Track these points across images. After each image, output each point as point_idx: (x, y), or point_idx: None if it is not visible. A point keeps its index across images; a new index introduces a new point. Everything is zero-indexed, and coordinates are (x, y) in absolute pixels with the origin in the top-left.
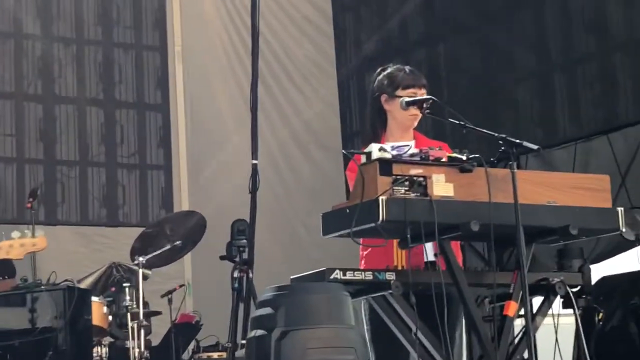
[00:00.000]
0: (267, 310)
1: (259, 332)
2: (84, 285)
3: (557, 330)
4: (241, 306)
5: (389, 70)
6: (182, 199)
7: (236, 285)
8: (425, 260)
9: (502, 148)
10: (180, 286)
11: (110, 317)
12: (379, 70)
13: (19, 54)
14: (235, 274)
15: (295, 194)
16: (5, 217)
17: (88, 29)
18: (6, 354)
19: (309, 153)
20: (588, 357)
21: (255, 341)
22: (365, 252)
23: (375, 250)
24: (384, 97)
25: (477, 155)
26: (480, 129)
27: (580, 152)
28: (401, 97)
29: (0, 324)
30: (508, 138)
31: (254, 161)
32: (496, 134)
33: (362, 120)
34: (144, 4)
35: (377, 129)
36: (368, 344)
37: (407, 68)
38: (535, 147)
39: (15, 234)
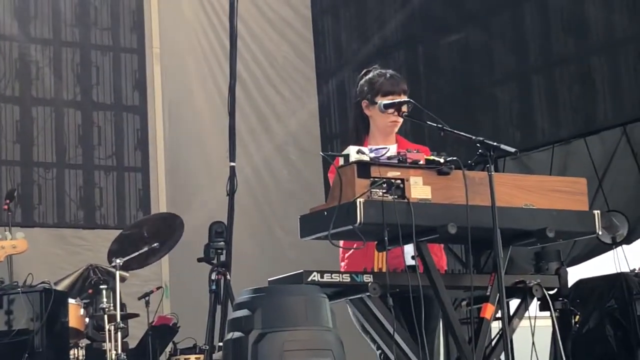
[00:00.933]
0: (244, 312)
1: (236, 334)
2: (60, 287)
3: (534, 332)
4: (218, 308)
5: (370, 75)
6: (160, 201)
7: (214, 287)
8: (405, 264)
9: (480, 151)
10: (158, 288)
11: (87, 319)
12: (361, 74)
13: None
14: (213, 276)
15: (274, 196)
16: None
17: (65, 31)
18: None
19: (288, 155)
20: (564, 359)
21: (232, 343)
22: (346, 254)
23: (356, 252)
24: (364, 103)
25: (454, 158)
26: (458, 132)
27: (558, 155)
28: (381, 95)
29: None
30: (486, 141)
31: (232, 163)
32: (474, 137)
33: (341, 123)
34: (122, 6)
35: (360, 134)
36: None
37: (388, 73)
38: (512, 150)
39: None
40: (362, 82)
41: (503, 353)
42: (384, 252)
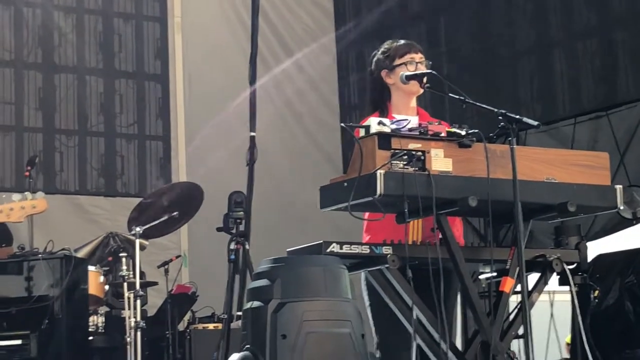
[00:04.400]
0: (264, 282)
1: (255, 303)
2: (81, 254)
3: (553, 306)
4: (237, 278)
5: (382, 48)
6: (180, 170)
7: (232, 257)
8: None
9: (502, 124)
10: (177, 257)
11: (106, 287)
12: (373, 54)
13: (19, 21)
14: (232, 246)
15: (293, 167)
16: (4, 185)
17: None
18: (3, 321)
19: (307, 127)
20: (584, 334)
21: (251, 312)
22: (369, 226)
23: (378, 224)
24: (384, 73)
25: (476, 131)
26: (480, 104)
27: (579, 129)
28: (400, 65)
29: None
30: (508, 114)
31: (252, 133)
32: (496, 110)
33: (360, 95)
34: None
35: (380, 106)
36: (370, 319)
37: (399, 40)
38: (535, 123)
39: (15, 197)
40: (375, 57)
41: (522, 327)
42: (419, 224)
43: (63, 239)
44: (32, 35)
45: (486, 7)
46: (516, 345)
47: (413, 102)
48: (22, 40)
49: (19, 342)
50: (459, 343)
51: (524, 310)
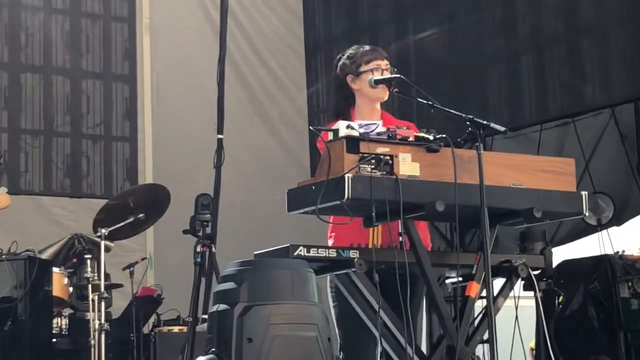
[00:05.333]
0: (230, 284)
1: (222, 306)
2: (45, 255)
3: (518, 312)
4: (203, 281)
5: (347, 52)
6: (147, 172)
7: (199, 259)
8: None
9: (469, 129)
10: (142, 259)
11: (70, 289)
12: (338, 57)
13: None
14: (198, 249)
15: (261, 170)
16: None
17: None
18: None
19: (275, 130)
20: (548, 339)
21: (217, 315)
22: (333, 230)
23: (344, 228)
24: (350, 78)
25: (444, 136)
26: (448, 109)
27: (546, 135)
28: (366, 71)
29: None
30: (475, 119)
31: (220, 136)
32: (464, 115)
33: (329, 98)
34: None
35: (346, 109)
36: (335, 322)
37: (364, 46)
38: (502, 129)
39: None
40: (341, 62)
41: (487, 332)
42: (379, 228)
43: (27, 240)
44: (7, 36)
45: (455, 13)
46: (481, 350)
47: (378, 107)
48: None
49: None
50: (424, 347)
51: (489, 315)
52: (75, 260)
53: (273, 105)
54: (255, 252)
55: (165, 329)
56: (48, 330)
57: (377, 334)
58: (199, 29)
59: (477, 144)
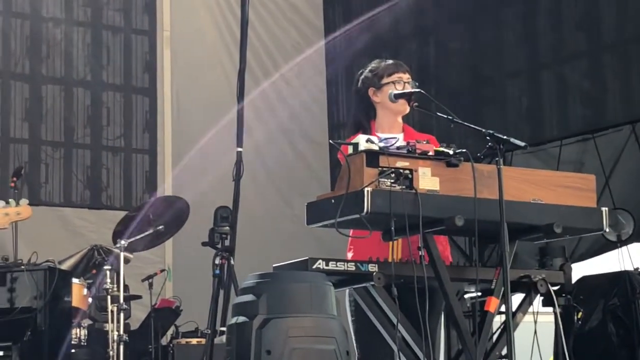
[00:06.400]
0: (249, 297)
1: (241, 318)
2: (65, 266)
3: (537, 327)
4: (221, 293)
5: (369, 66)
6: (166, 184)
7: (217, 271)
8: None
9: (489, 144)
10: (161, 271)
11: (90, 300)
12: (359, 72)
13: (7, 32)
14: (217, 261)
15: (280, 183)
16: None
17: (77, 10)
18: None
19: (294, 143)
20: (567, 356)
21: (236, 328)
22: (353, 243)
23: (363, 241)
24: (371, 91)
25: (464, 150)
26: (468, 124)
27: (566, 151)
28: (388, 83)
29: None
30: (495, 134)
31: (239, 149)
32: (484, 130)
33: (349, 112)
34: None
35: (366, 123)
36: (352, 335)
37: (387, 60)
38: (522, 144)
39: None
40: (363, 76)
41: (505, 347)
42: (398, 242)
43: (47, 251)
44: (21, 46)
45: (475, 28)
46: None
47: (399, 120)
48: (9, 50)
49: (0, 353)
50: None
51: (508, 330)
52: (94, 271)
53: (293, 119)
54: (274, 265)
55: (183, 341)
56: (67, 341)
57: (395, 348)
58: (220, 42)
59: (496, 158)
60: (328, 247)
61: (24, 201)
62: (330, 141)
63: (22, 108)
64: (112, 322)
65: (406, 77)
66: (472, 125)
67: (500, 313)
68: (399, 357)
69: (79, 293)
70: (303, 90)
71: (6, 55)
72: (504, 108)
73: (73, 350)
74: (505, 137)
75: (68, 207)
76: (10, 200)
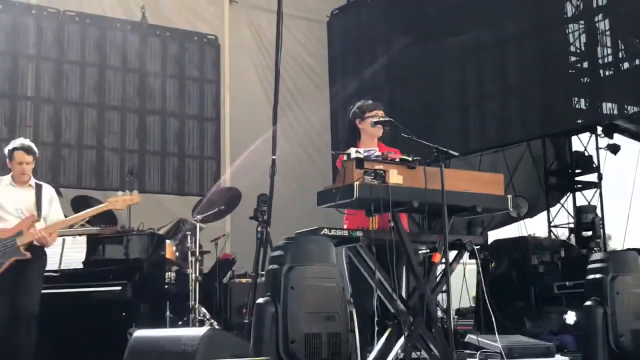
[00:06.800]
0: (280, 252)
1: (274, 266)
2: (161, 232)
3: (465, 272)
4: (262, 250)
5: (357, 104)
6: (226, 179)
7: (259, 236)
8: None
9: (435, 154)
10: (223, 235)
11: (177, 254)
12: (350, 107)
13: (124, 81)
14: (259, 229)
15: (299, 178)
16: (112, 185)
17: (170, 66)
18: (110, 274)
19: (309, 153)
20: (484, 291)
21: (271, 272)
22: (347, 218)
23: (354, 216)
24: (357, 120)
25: (418, 158)
26: (422, 141)
27: (484, 159)
28: (369, 117)
29: (107, 254)
30: (439, 147)
31: (273, 156)
32: (431, 144)
33: (343, 134)
34: (206, 52)
35: (354, 141)
36: (347, 278)
37: (368, 100)
38: (456, 154)
39: (119, 193)
40: (352, 110)
41: (445, 285)
42: (376, 217)
43: (149, 222)
44: (132, 90)
45: (424, 77)
46: (441, 297)
47: (375, 140)
48: (125, 92)
49: (119, 288)
50: (404, 294)
51: (446, 274)
52: (180, 235)
53: (307, 137)
54: (295, 232)
55: (237, 280)
56: (162, 280)
57: (374, 285)
58: (260, 87)
59: (440, 163)
60: (331, 220)
61: (135, 192)
62: (332, 152)
63: (133, 132)
64: (191, 268)
65: (381, 112)
66: (424, 142)
67: (441, 263)
68: (376, 291)
69: (169, 249)
70: (315, 118)
71: (124, 96)
72: (445, 128)
73: (166, 286)
74: (445, 149)
75: (163, 194)
76: (126, 190)
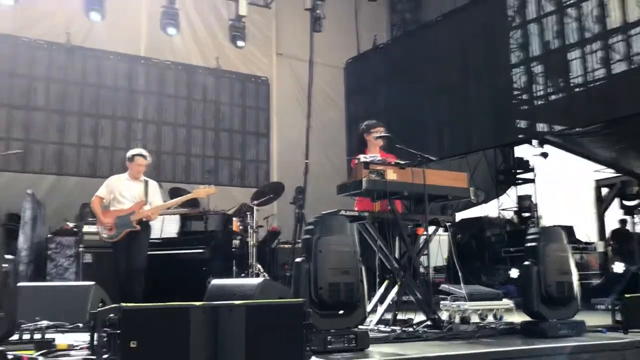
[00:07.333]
0: (311, 226)
1: (307, 236)
2: (229, 212)
3: (439, 241)
4: (298, 225)
5: (365, 123)
6: (274, 175)
7: (296, 215)
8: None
9: (419, 158)
10: (271, 215)
11: (240, 227)
12: (360, 125)
13: (193, 109)
14: (297, 210)
15: (324, 175)
16: (196, 180)
17: (233, 96)
18: (194, 242)
19: (330, 157)
20: (454, 254)
21: (305, 241)
22: (357, 203)
23: (363, 202)
24: (365, 134)
25: (407, 162)
26: (410, 150)
27: (454, 163)
28: (373, 132)
29: (193, 228)
30: (422, 154)
31: (306, 160)
32: (417, 152)
33: (354, 144)
34: (256, 87)
35: (363, 149)
36: (358, 244)
37: (373, 121)
38: (434, 158)
39: (201, 186)
40: (362, 127)
41: (426, 250)
42: (378, 202)
43: (221, 205)
44: (203, 113)
45: (412, 105)
46: (423, 258)
47: (378, 148)
48: (195, 113)
49: (201, 251)
50: (397, 256)
51: (427, 242)
52: (242, 214)
53: (329, 146)
54: (322, 212)
55: (282, 246)
56: (230, 245)
57: (376, 249)
58: (300, 111)
59: (423, 165)
60: (345, 204)
61: (212, 185)
62: (347, 157)
63: (211, 143)
64: (250, 237)
65: (382, 129)
66: (412, 151)
67: (423, 235)
68: (377, 254)
69: (235, 224)
70: (334, 133)
71: (204, 118)
72: (426, 140)
73: (232, 249)
74: (426, 155)
75: (231, 186)
76: (206, 184)
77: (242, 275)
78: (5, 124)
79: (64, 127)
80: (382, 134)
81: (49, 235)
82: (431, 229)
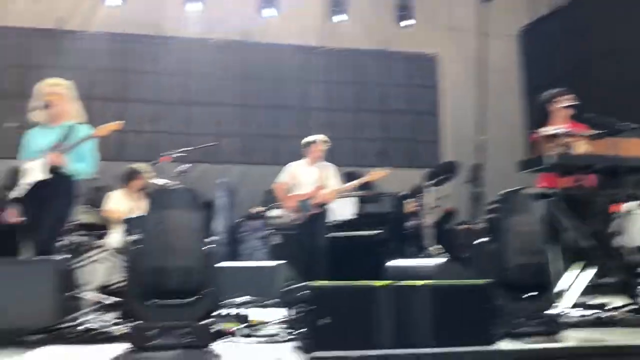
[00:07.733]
0: (495, 206)
1: (491, 215)
2: (403, 194)
3: None
4: (474, 204)
5: (548, 92)
6: (446, 155)
7: (474, 194)
8: None
9: (615, 127)
10: (446, 195)
11: (417, 208)
12: (541, 94)
13: (332, 94)
14: (473, 189)
15: (503, 151)
16: (369, 164)
17: (399, 76)
18: (371, 222)
19: (505, 132)
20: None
21: (489, 220)
22: (542, 179)
23: (549, 177)
24: (548, 105)
25: (600, 132)
26: (604, 118)
27: None
28: (558, 101)
29: (369, 210)
30: (619, 122)
31: (482, 137)
32: (614, 121)
33: (535, 115)
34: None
35: (544, 121)
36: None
37: (556, 89)
38: (635, 125)
39: (375, 169)
40: (544, 97)
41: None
42: (565, 178)
43: (392, 188)
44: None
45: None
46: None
47: (565, 119)
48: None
49: (378, 232)
50: (591, 235)
51: (626, 220)
52: (416, 195)
53: (505, 121)
54: (504, 190)
55: (457, 227)
56: (404, 227)
57: (567, 228)
58: (467, 81)
59: (618, 135)
60: (525, 181)
61: (385, 168)
62: (528, 131)
63: (378, 128)
64: (425, 218)
65: (568, 97)
66: (603, 118)
67: (620, 212)
68: (564, 233)
69: (410, 206)
70: (507, 103)
71: (362, 99)
72: (619, 106)
73: (407, 231)
74: (624, 123)
75: (402, 167)
76: (380, 167)
77: (420, 256)
78: (200, 120)
79: (247, 120)
80: (570, 103)
81: (239, 220)
82: (632, 205)
